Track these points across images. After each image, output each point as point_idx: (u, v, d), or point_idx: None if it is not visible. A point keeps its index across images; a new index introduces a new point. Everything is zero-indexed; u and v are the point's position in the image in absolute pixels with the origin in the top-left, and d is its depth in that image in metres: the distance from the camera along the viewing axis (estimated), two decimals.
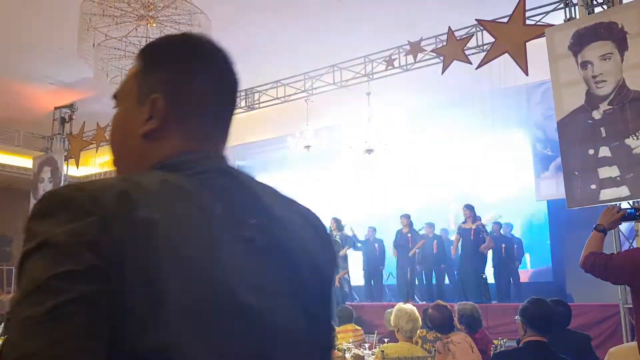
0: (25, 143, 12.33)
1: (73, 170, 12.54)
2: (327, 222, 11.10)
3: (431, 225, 10.81)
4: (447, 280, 10.56)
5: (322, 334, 0.84)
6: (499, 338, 5.43)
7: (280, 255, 0.77)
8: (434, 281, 10.39)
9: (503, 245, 9.94)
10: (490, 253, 9.71)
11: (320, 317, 0.83)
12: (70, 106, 11.82)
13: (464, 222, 9.44)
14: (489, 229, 10.00)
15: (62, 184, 11.74)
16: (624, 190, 6.02)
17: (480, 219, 9.47)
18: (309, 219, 0.89)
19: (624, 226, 6.63)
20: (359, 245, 10.91)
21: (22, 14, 8.10)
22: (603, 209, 6.62)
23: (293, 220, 0.84)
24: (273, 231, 0.78)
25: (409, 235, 10.16)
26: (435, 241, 10.39)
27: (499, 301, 9.13)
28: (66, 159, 11.95)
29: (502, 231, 10.22)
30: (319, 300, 0.83)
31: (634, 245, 6.40)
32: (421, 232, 10.87)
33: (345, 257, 10.45)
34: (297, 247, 0.81)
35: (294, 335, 0.77)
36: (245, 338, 0.71)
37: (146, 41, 6.34)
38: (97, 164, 12.31)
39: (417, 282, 10.62)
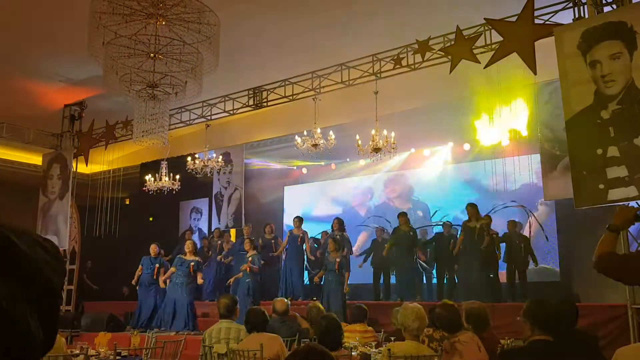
0: (35, 140, 12.40)
1: (82, 168, 12.62)
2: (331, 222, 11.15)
3: (447, 224, 10.80)
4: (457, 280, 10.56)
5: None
6: (506, 337, 5.43)
7: (15, 273, 0.98)
8: (445, 280, 10.39)
9: (519, 243, 9.92)
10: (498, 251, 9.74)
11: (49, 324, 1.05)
12: (80, 104, 11.90)
13: (468, 220, 9.42)
14: (501, 228, 10.04)
15: (70, 181, 11.82)
16: (632, 190, 6.00)
17: (488, 218, 9.45)
18: (45, 246, 1.10)
19: (632, 226, 6.60)
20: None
21: (32, 11, 8.16)
22: (611, 209, 6.61)
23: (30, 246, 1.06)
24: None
25: (411, 233, 10.16)
26: (452, 240, 10.40)
27: (512, 300, 9.10)
28: (75, 156, 12.03)
29: (516, 229, 10.19)
30: (49, 310, 1.04)
31: None
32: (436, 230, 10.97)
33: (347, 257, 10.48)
34: (31, 267, 1.03)
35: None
36: None
37: (156, 39, 6.38)
38: (106, 161, 12.37)
39: (424, 281, 10.63)
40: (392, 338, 5.17)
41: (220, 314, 5.49)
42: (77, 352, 5.07)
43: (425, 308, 4.54)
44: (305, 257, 11.06)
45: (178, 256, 9.80)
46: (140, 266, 9.97)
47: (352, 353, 4.55)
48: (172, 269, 9.60)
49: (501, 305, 8.33)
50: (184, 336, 6.31)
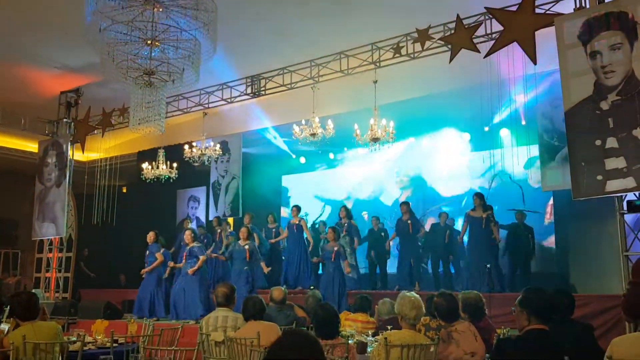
0: (31, 127, 12.34)
1: (78, 156, 12.56)
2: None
3: (443, 215, 10.82)
4: (452, 269, 10.58)
5: None
6: (503, 327, 5.45)
7: None
8: (440, 269, 10.43)
9: (528, 235, 9.93)
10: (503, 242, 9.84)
11: None
12: (76, 91, 11.82)
13: (473, 209, 9.43)
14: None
15: (67, 169, 11.77)
16: (630, 182, 6.00)
17: (491, 208, 9.46)
18: None
19: (629, 217, 6.61)
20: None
21: None
22: (609, 200, 6.61)
23: None
24: None
25: (410, 222, 10.18)
26: (448, 231, 10.42)
27: (510, 290, 9.17)
28: (72, 143, 11.98)
29: (523, 220, 10.20)
30: None
31: (639, 236, 6.38)
32: (429, 220, 11.02)
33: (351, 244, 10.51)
34: None
35: None
36: None
37: (152, 26, 6.32)
38: (102, 149, 12.32)
39: (421, 271, 10.64)
40: (389, 327, 5.17)
41: (217, 302, 5.49)
42: (74, 339, 5.06)
43: (423, 297, 4.55)
44: (304, 245, 11.10)
45: (185, 247, 9.81)
46: (147, 252, 10.06)
47: (349, 341, 4.54)
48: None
49: (497, 295, 8.35)
50: (181, 324, 6.31)
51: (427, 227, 11.26)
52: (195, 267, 9.37)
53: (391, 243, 10.99)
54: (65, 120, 12.16)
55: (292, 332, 2.15)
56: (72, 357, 4.75)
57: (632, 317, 3.10)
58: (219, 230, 12.05)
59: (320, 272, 10.60)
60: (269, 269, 9.56)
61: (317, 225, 12.16)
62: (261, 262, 9.53)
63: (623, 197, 6.42)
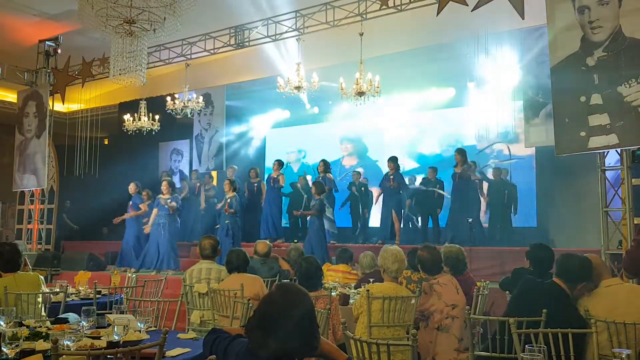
0: (9, 76, 12.01)
1: (59, 106, 12.31)
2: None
3: (434, 170, 10.86)
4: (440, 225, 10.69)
5: None
6: (483, 280, 5.55)
7: None
8: (430, 225, 10.55)
9: (505, 191, 10.02)
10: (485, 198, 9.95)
11: None
12: (55, 39, 11.49)
13: (455, 166, 9.49)
14: (489, 174, 10.18)
15: (47, 120, 11.55)
16: (613, 138, 6.04)
17: (473, 163, 9.53)
18: None
19: (610, 173, 6.69)
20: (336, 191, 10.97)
21: None
22: (590, 157, 6.65)
23: None
24: None
25: (392, 177, 10.22)
26: (438, 185, 10.48)
27: (491, 245, 9.28)
28: (51, 93, 11.72)
29: (501, 177, 10.27)
30: None
31: (619, 192, 6.47)
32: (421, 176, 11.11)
33: (329, 197, 10.53)
34: None
35: None
36: None
37: None
38: (83, 100, 12.07)
39: (402, 225, 10.74)
40: (371, 279, 5.24)
41: (203, 254, 5.50)
42: (57, 290, 5.07)
43: (405, 251, 4.60)
44: (281, 199, 11.17)
45: (157, 197, 9.76)
46: (131, 203, 10.05)
47: (332, 293, 4.60)
48: (155, 211, 9.65)
49: (479, 249, 8.49)
50: (165, 275, 6.35)
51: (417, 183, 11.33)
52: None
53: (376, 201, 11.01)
54: (44, 69, 11.86)
55: (283, 286, 2.16)
56: (55, 308, 4.77)
57: (632, 274, 3.17)
58: (197, 184, 12.03)
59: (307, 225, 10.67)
60: None
61: (296, 180, 12.14)
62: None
63: (605, 153, 6.48)
